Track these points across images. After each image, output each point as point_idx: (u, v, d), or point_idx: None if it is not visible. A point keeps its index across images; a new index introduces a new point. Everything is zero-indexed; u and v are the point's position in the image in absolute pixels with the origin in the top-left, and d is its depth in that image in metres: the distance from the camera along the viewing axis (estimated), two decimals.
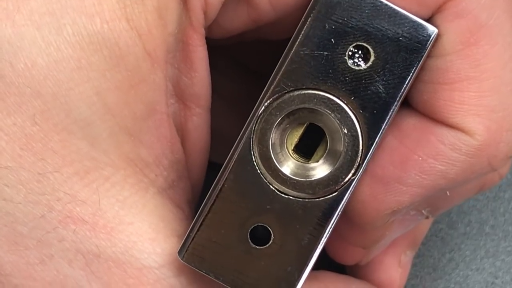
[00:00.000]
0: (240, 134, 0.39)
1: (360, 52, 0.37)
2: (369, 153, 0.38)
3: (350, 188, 0.38)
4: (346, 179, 0.38)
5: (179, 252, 0.39)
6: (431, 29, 0.38)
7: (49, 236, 0.38)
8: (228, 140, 0.41)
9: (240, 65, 0.50)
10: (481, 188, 0.45)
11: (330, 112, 0.37)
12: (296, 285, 0.39)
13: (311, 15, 0.38)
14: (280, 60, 0.39)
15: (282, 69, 0.38)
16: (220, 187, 0.39)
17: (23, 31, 0.38)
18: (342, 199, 0.38)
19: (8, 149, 0.38)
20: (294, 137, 0.39)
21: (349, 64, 0.37)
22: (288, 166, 0.38)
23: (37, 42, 0.38)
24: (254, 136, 0.38)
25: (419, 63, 0.38)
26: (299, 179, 0.38)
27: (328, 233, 0.39)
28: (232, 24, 0.41)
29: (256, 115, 0.38)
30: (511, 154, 0.41)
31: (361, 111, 0.38)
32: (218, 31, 0.42)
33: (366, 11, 0.38)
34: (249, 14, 0.40)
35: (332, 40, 0.38)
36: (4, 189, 0.38)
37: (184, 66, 0.40)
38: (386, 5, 0.37)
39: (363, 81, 0.38)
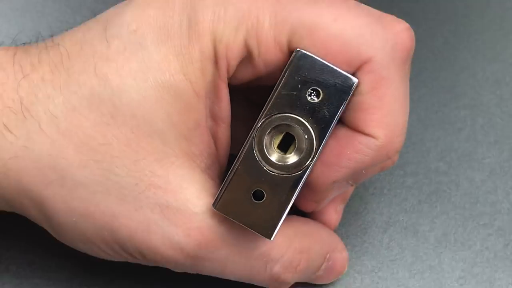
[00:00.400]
0: (247, 138, 0.48)
1: (314, 92, 0.47)
2: (319, 150, 0.48)
3: (309, 169, 0.48)
4: (306, 163, 0.48)
5: (213, 205, 0.49)
6: (354, 79, 0.47)
7: (140, 195, 0.48)
8: (239, 142, 0.50)
9: (247, 99, 0.56)
10: (382, 169, 0.52)
11: (297, 126, 0.48)
12: (279, 221, 0.49)
13: (287, 72, 0.47)
14: (269, 97, 0.48)
15: (270, 102, 0.48)
16: (235, 168, 0.49)
17: (125, 81, 0.47)
18: (304, 174, 0.48)
19: (118, 146, 0.48)
20: (277, 140, 0.49)
21: (308, 99, 0.47)
22: (274, 156, 0.48)
23: (133, 87, 0.47)
24: (254, 140, 0.48)
25: (347, 99, 0.48)
26: (280, 163, 0.48)
27: (297, 194, 0.49)
28: (243, 77, 0.50)
29: (255, 128, 0.48)
30: (399, 149, 0.51)
31: (315, 125, 0.48)
32: (234, 81, 0.50)
33: (318, 69, 0.47)
34: (252, 71, 0.49)
35: (299, 85, 0.47)
36: (115, 169, 0.48)
37: (215, 100, 0.49)
38: (329, 65, 0.47)
39: (316, 109, 0.47)
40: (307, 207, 0.55)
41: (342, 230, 0.63)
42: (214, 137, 0.51)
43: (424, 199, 0.65)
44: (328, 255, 0.57)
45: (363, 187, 0.65)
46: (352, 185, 0.54)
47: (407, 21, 0.50)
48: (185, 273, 0.53)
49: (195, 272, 0.53)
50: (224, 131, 0.51)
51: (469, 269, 0.62)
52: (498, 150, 0.66)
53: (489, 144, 0.66)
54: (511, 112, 0.66)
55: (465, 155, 0.65)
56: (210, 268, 0.52)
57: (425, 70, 0.67)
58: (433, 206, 0.64)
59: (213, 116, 0.50)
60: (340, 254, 0.58)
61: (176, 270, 0.52)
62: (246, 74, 0.50)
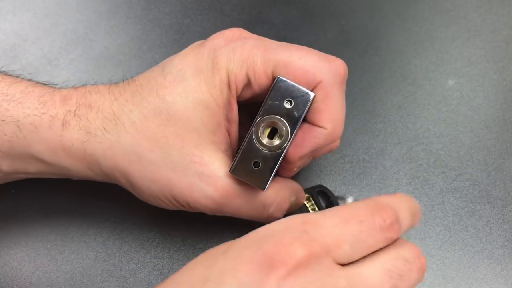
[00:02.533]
0: (249, 131, 0.48)
1: (289, 102, 0.48)
2: (292, 136, 0.48)
3: (286, 148, 0.48)
4: (284, 145, 0.48)
5: (230, 170, 0.49)
6: (312, 94, 0.48)
7: (186, 167, 0.49)
8: (242, 135, 0.51)
9: (246, 112, 0.54)
10: (330, 149, 0.52)
11: (279, 123, 0.48)
12: (268, 179, 0.49)
13: (272, 90, 0.48)
14: (261, 105, 0.48)
15: (263, 108, 0.48)
16: (242, 148, 0.49)
17: (175, 99, 0.49)
18: (283, 151, 0.48)
19: (171, 138, 0.49)
20: (267, 131, 0.49)
21: (285, 106, 0.48)
22: (265, 141, 0.48)
23: (180, 102, 0.49)
24: (253, 131, 0.48)
25: (308, 105, 0.48)
26: (269, 145, 0.48)
27: (279, 163, 0.49)
28: (245, 95, 0.50)
29: (253, 124, 0.48)
30: (340, 135, 0.51)
31: (289, 122, 0.48)
32: (240, 98, 0.50)
33: (290, 88, 0.48)
34: (251, 92, 0.50)
35: (279, 98, 0.48)
36: (170, 152, 0.49)
37: (229, 109, 0.50)
38: (297, 86, 0.48)
39: (290, 112, 0.48)
40: (285, 175, 0.54)
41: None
42: (229, 132, 0.52)
43: (356, 177, 0.64)
44: (296, 196, 0.56)
45: (319, 170, 0.64)
46: (312, 159, 0.53)
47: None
48: (214, 215, 0.53)
49: (221, 214, 0.53)
50: (234, 129, 0.52)
51: None
52: (400, 147, 0.65)
53: (394, 144, 0.65)
54: (408, 126, 0.65)
55: (380, 151, 0.64)
56: (230, 211, 0.52)
57: (356, 100, 0.66)
58: (361, 180, 0.63)
59: (228, 119, 0.51)
60: (301, 194, 0.57)
61: (209, 214, 0.52)
62: (247, 94, 0.50)
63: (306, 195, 0.60)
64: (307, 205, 0.60)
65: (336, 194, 0.61)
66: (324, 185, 0.62)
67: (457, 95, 0.67)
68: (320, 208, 0.59)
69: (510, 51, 0.70)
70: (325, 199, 0.60)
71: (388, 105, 0.67)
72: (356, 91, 0.67)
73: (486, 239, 0.60)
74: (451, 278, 0.58)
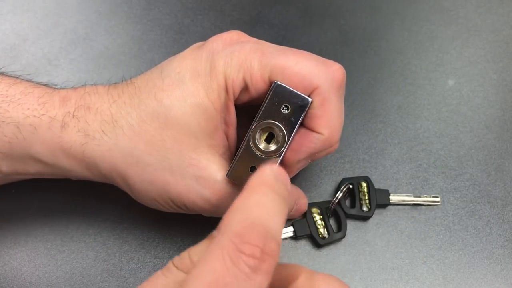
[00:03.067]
0: (246, 136, 0.49)
1: (286, 107, 0.48)
2: (289, 141, 0.48)
3: (283, 153, 0.49)
4: (281, 150, 0.48)
5: (227, 175, 0.49)
6: (309, 99, 0.48)
7: (183, 170, 0.49)
8: (241, 138, 0.51)
9: (245, 114, 0.54)
10: (328, 152, 0.51)
11: (276, 128, 0.48)
12: None
13: (269, 95, 0.48)
14: (258, 110, 0.48)
15: (260, 113, 0.48)
16: (239, 153, 0.49)
17: (173, 102, 0.49)
18: (280, 156, 0.48)
19: (169, 141, 0.49)
20: (264, 136, 0.49)
21: (282, 112, 0.48)
22: (262, 146, 0.49)
23: (178, 106, 0.49)
24: (250, 136, 0.48)
25: (305, 111, 0.48)
26: (266, 150, 0.48)
27: None
28: (242, 99, 0.50)
29: (250, 129, 0.48)
30: (338, 140, 0.50)
31: (286, 127, 0.48)
32: (238, 102, 0.50)
33: (287, 93, 0.47)
34: (248, 96, 0.50)
35: (276, 103, 0.48)
36: (168, 155, 0.49)
37: (227, 113, 0.50)
38: (294, 91, 0.47)
39: (287, 117, 0.48)
40: None
41: (307, 194, 0.62)
42: (227, 135, 0.51)
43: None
44: (296, 201, 0.57)
45: (320, 170, 0.64)
46: (310, 162, 0.53)
47: (346, 69, 0.51)
48: (211, 217, 0.52)
49: (218, 216, 0.51)
50: (232, 132, 0.52)
51: (383, 218, 0.62)
52: (399, 148, 0.64)
53: (394, 144, 0.65)
54: (408, 126, 0.64)
55: (380, 151, 0.64)
56: None
57: (356, 100, 0.66)
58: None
59: (226, 123, 0.51)
60: (303, 200, 0.58)
61: (206, 215, 0.53)
62: (245, 98, 0.50)
63: (317, 209, 0.61)
64: (316, 218, 0.61)
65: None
66: (325, 185, 0.63)
67: (457, 95, 0.67)
68: (327, 225, 0.60)
69: (510, 51, 0.70)
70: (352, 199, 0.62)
71: (388, 105, 0.67)
72: (356, 91, 0.67)
73: (486, 239, 0.60)
74: (451, 278, 0.58)
